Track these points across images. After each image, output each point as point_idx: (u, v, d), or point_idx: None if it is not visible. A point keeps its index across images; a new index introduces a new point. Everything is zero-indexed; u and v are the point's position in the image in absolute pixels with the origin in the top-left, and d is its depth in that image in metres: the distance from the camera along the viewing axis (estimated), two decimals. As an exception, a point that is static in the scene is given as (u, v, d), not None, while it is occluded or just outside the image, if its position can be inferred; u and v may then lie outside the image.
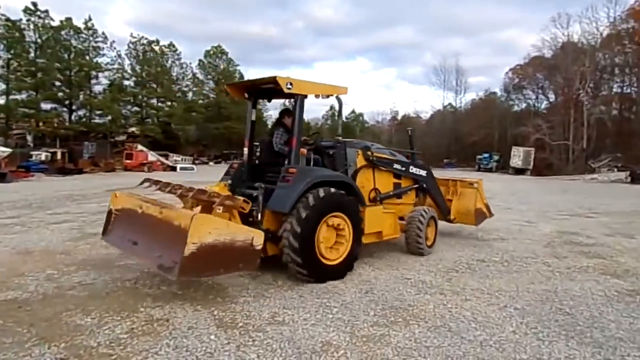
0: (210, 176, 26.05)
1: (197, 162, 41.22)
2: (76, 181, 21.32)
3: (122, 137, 44.72)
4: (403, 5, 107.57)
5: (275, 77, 4.72)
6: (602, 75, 50.17)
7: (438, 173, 7.38)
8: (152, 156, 31.93)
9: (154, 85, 48.28)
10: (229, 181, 5.31)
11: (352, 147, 5.69)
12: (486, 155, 49.54)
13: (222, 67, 56.75)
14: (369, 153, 5.74)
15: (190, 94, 54.95)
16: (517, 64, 60.53)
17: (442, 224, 6.73)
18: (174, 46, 51.05)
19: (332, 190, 4.70)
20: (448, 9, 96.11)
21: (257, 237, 3.93)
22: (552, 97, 55.87)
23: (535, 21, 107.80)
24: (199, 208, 4.61)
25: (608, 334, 3.38)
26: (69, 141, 36.33)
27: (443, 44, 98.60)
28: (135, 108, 46.75)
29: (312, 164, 5.21)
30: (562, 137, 46.11)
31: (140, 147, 31.84)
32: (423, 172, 6.51)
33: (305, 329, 3.41)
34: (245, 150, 5.60)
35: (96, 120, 41.68)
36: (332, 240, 4.77)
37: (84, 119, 41.22)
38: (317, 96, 5.14)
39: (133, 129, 45.94)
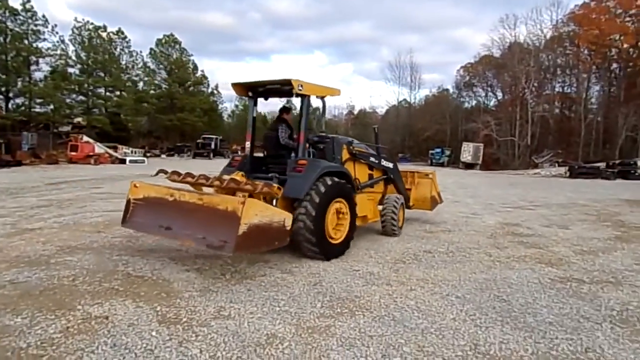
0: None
1: (148, 154, 39.70)
2: (14, 174, 20.00)
3: (67, 128, 42.34)
4: (360, 0, 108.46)
5: (290, 80, 5.33)
6: (546, 75, 52.95)
7: None
8: (99, 148, 30.43)
9: (102, 74, 46.08)
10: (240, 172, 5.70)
11: (339, 141, 6.29)
12: (438, 150, 51.10)
13: (174, 56, 54.92)
14: (352, 147, 6.40)
15: (141, 84, 52.85)
16: (468, 62, 62.92)
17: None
18: (122, 33, 48.81)
19: (336, 179, 5.44)
20: (403, 6, 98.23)
21: (288, 219, 4.60)
22: (500, 94, 58.44)
23: (485, 21, 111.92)
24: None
25: (540, 319, 3.58)
26: (6, 131, 34.01)
27: (398, 40, 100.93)
28: (81, 97, 44.32)
29: (311, 156, 5.96)
30: (509, 133, 48.36)
31: (86, 138, 30.24)
32: (390, 165, 7.31)
33: (251, 322, 3.39)
34: (248, 144, 6.13)
35: (37, 110, 39.20)
36: (335, 222, 5.43)
37: (22, 108, 38.68)
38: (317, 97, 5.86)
39: (79, 119, 43.57)
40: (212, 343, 3.01)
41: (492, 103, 60.43)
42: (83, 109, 44.20)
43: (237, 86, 6.04)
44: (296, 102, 6.56)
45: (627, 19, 47.45)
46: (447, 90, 67.80)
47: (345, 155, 6.24)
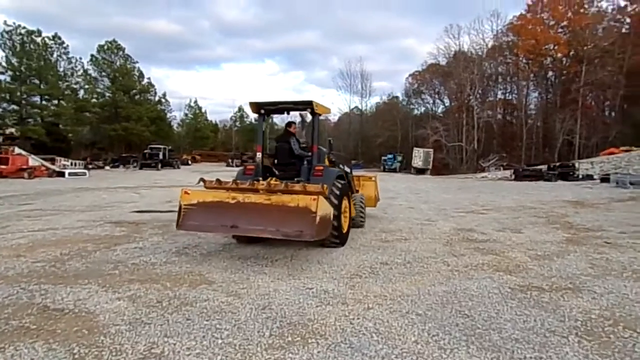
0: (106, 182, 23.86)
1: (90, 166, 37.48)
2: None
3: (-1, 139, 39.26)
4: (310, 10, 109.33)
5: (311, 101, 6.70)
6: (489, 83, 55.34)
7: None
8: (33, 160, 28.30)
9: (37, 81, 43.33)
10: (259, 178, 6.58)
11: (322, 151, 7.33)
12: (390, 156, 51.86)
13: (118, 63, 52.67)
14: (330, 156, 7.73)
15: (81, 92, 50.19)
16: (416, 70, 64.69)
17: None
18: (59, 38, 46.32)
19: (344, 181, 6.95)
20: (351, 16, 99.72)
21: (332, 213, 5.71)
22: (447, 101, 60.40)
23: (431, 31, 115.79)
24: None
25: (505, 335, 3.34)
26: None
27: (348, 49, 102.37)
28: (13, 106, 41.39)
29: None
30: (457, 138, 49.96)
31: (18, 150, 28.05)
32: (348, 170, 8.54)
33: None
34: (259, 154, 6.99)
35: (-38, 120, 36.13)
36: (343, 216, 6.57)
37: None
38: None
39: (11, 130, 40.59)
40: (137, 393, 2.51)
41: (440, 109, 62.41)
42: (16, 119, 41.22)
43: (252, 105, 7.03)
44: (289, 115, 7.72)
45: (560, 30, 50.58)
46: (397, 97, 69.37)
47: (326, 162, 7.35)
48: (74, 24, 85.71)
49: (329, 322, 3.61)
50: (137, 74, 54.95)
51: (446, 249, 6.42)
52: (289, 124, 7.33)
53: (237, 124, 78.57)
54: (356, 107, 71.46)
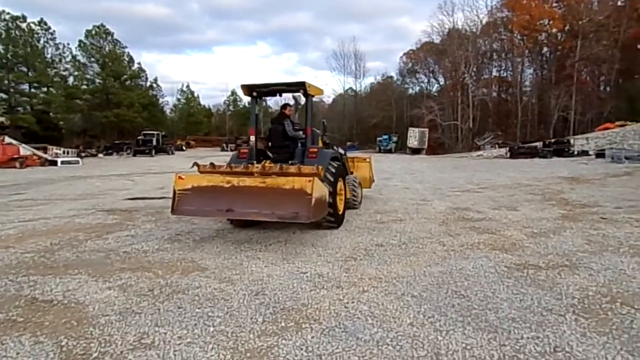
0: (99, 170, 23.62)
1: (83, 154, 37.12)
2: None
3: (-12, 129, 38.73)
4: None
5: (304, 82, 6.59)
6: (483, 60, 54.84)
7: None
8: (25, 150, 27.96)
9: (24, 69, 42.57)
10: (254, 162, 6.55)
11: (316, 133, 7.28)
12: (385, 137, 51.64)
13: (107, 48, 51.80)
14: (324, 138, 7.62)
15: (71, 79, 49.44)
16: (410, 49, 63.94)
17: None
18: (45, 24, 45.45)
19: (339, 163, 6.95)
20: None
21: (328, 194, 5.73)
22: (442, 80, 59.94)
23: (424, 9, 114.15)
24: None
25: (502, 315, 3.29)
26: None
27: (341, 29, 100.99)
28: (1, 95, 40.75)
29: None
30: (452, 117, 49.75)
31: (8, 139, 27.63)
32: (342, 152, 8.41)
33: (178, 350, 2.85)
34: (253, 137, 6.91)
35: (-50, 110, 35.57)
36: (339, 198, 6.52)
37: None
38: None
39: (1, 119, 40.01)
40: (125, 385, 2.45)
41: (434, 89, 62.00)
42: (5, 107, 40.61)
43: (244, 87, 6.90)
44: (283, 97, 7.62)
45: (555, 4, 49.98)
46: (391, 77, 68.79)
47: (320, 143, 7.19)
48: (60, 9, 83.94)
49: (323, 306, 3.55)
50: (127, 59, 54.10)
51: (442, 229, 6.37)
52: (284, 106, 7.29)
53: (231, 108, 77.83)
54: (350, 88, 70.90)
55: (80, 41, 50.42)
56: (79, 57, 50.38)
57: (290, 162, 6.51)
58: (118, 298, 3.79)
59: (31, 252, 5.40)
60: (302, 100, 7.31)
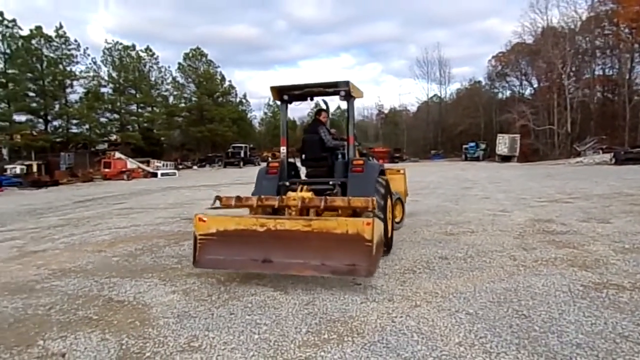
0: (191, 181, 25.52)
1: (180, 167, 40.47)
2: (49, 193, 20.66)
3: (104, 146, 43.84)
4: (384, 0, 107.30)
5: (347, 82, 5.44)
6: (584, 58, 50.14)
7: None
8: (131, 163, 31.20)
9: (133, 91, 47.61)
10: (280, 182, 5.68)
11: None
12: (472, 144, 49.35)
13: (202, 69, 55.96)
14: (361, 148, 7.08)
15: (171, 98, 54.20)
16: (499, 52, 60.51)
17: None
18: (151, 50, 50.32)
19: (386, 179, 5.81)
20: (428, 2, 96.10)
21: (383, 229, 4.78)
22: (535, 82, 55.88)
23: (514, 9, 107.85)
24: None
25: (565, 340, 2.97)
26: (47, 153, 35.48)
27: (426, 36, 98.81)
28: (115, 115, 45.92)
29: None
30: (547, 122, 46.05)
31: (118, 154, 31.10)
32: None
33: (222, 354, 2.97)
34: (283, 149, 5.98)
35: (73, 130, 40.80)
36: (388, 218, 5.58)
37: (60, 130, 40.32)
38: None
39: (115, 137, 45.09)
40: (167, 384, 2.60)
41: (527, 92, 57.95)
42: (117, 126, 45.67)
43: (273, 90, 5.85)
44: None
45: (670, -9, 44.28)
46: (479, 82, 65.57)
47: (357, 154, 6.19)
48: (163, 36, 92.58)
49: (370, 319, 3.47)
50: (219, 77, 57.94)
51: (516, 242, 5.92)
52: (319, 111, 6.27)
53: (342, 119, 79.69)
54: (435, 95, 68.89)
55: (179, 63, 55.24)
56: (178, 78, 55.16)
57: (331, 182, 5.62)
58: (179, 302, 4.05)
59: (117, 256, 5.98)
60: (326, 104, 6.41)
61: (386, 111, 74.72)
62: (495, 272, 4.60)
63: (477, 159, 45.98)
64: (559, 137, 44.55)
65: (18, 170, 28.01)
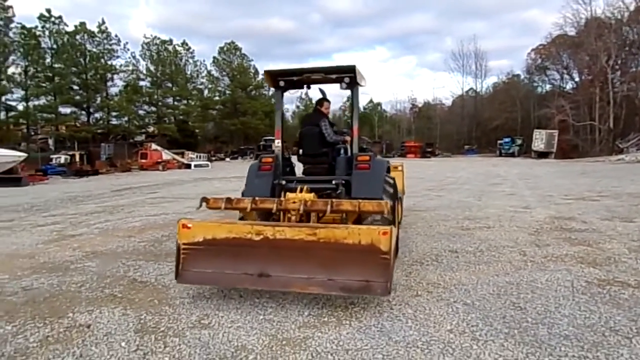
0: (223, 172, 26.23)
1: (213, 158, 41.59)
2: (89, 182, 21.76)
3: (141, 137, 45.55)
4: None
5: (354, 66, 4.81)
6: (631, 51, 47.74)
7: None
8: (166, 155, 32.36)
9: (169, 85, 48.97)
10: (275, 180, 5.01)
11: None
12: (507, 139, 48.16)
13: (236, 63, 56.91)
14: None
15: (205, 91, 55.47)
16: (539, 44, 58.40)
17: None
18: (187, 44, 51.64)
19: (392, 177, 5.17)
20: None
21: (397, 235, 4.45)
22: (577, 76, 53.70)
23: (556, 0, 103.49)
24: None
25: (554, 331, 3.06)
26: (88, 143, 37.22)
27: (463, 28, 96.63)
28: (152, 108, 47.52)
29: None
30: (588, 117, 44.30)
31: (154, 146, 32.34)
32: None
33: (227, 332, 3.23)
34: (278, 142, 5.32)
35: (113, 122, 42.57)
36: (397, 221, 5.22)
37: (101, 121, 42.16)
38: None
39: (152, 128, 46.73)
40: (176, 355, 2.88)
41: (568, 86, 55.79)
42: (154, 118, 47.25)
43: (267, 75, 5.25)
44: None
45: None
46: (517, 76, 63.62)
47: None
48: (200, 30, 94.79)
49: (370, 306, 3.66)
50: (252, 71, 58.79)
51: (530, 239, 5.93)
52: (320, 101, 5.57)
53: (347, 113, 79.55)
54: (471, 88, 67.40)
55: (214, 57, 56.46)
56: (213, 72, 56.43)
57: (334, 182, 4.96)
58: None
59: (145, 242, 6.40)
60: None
61: (420, 105, 73.78)
62: (502, 267, 4.68)
63: (512, 155, 44.88)
64: (600, 134, 42.82)
65: (62, 160, 29.56)
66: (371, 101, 76.25)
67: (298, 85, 5.38)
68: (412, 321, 3.32)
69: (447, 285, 4.12)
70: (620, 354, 2.73)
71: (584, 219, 7.25)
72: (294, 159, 5.75)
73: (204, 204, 4.48)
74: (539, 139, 42.07)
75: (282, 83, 5.19)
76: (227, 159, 45.47)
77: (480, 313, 3.43)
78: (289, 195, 4.53)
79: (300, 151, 5.49)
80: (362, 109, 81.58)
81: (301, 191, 4.54)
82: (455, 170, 22.25)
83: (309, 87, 5.49)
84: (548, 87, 58.88)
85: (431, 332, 3.13)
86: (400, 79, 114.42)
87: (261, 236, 3.76)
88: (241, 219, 4.64)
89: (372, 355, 2.83)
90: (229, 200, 4.44)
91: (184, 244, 3.89)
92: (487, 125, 59.29)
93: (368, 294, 3.59)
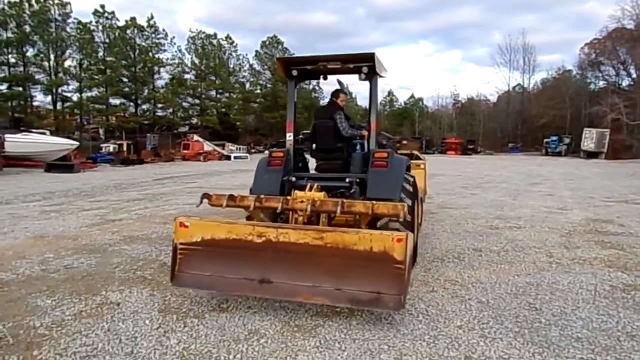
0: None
1: (252, 151, 42.42)
2: (134, 171, 22.79)
3: (185, 129, 47.08)
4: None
5: (372, 54, 4.45)
6: (697, 45, 44.51)
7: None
8: (207, 146, 33.35)
9: (213, 78, 50.20)
10: (285, 177, 4.68)
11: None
12: (554, 138, 46.13)
13: (277, 56, 57.44)
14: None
15: (247, 85, 56.44)
16: (594, 38, 55.39)
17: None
18: (230, 38, 52.65)
19: (413, 176, 4.74)
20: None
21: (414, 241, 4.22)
22: (634, 72, 50.59)
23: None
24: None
25: (566, 333, 3.03)
26: (136, 134, 38.91)
27: (513, 21, 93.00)
28: (196, 100, 48.92)
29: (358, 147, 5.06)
30: (644, 115, 41.74)
31: (196, 137, 33.40)
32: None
33: (243, 316, 3.40)
34: (291, 136, 4.98)
35: (159, 113, 44.22)
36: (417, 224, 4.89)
37: (148, 112, 43.91)
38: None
39: (195, 120, 48.22)
40: (193, 335, 3.08)
41: (624, 83, 52.67)
42: (197, 111, 48.67)
43: (280, 63, 4.94)
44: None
45: None
46: (568, 71, 60.63)
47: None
48: (244, 24, 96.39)
49: (383, 299, 3.73)
50: (294, 64, 59.25)
51: (560, 240, 5.78)
52: (336, 92, 5.16)
53: (387, 108, 78.81)
54: (518, 84, 64.89)
55: (256, 51, 57.31)
56: (255, 65, 57.29)
57: (347, 179, 4.60)
58: (220, 270, 4.56)
59: (178, 229, 6.70)
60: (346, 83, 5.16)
61: (463, 101, 71.94)
62: (525, 267, 4.61)
63: (558, 154, 43.03)
64: (658, 133, 40.24)
65: (111, 149, 31.06)
66: (412, 96, 75.14)
67: (313, 76, 5.16)
68: (423, 316, 3.38)
69: (464, 283, 4.13)
70: (630, 359, 2.68)
71: (622, 222, 6.96)
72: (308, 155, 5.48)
73: (205, 200, 4.23)
74: (589, 138, 40.08)
75: (294, 72, 4.87)
76: (266, 152, 46.17)
77: (493, 311, 3.44)
78: (297, 193, 4.13)
79: (314, 146, 5.15)
80: (403, 104, 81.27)
81: (311, 189, 4.17)
82: (495, 169, 21.66)
83: (325, 78, 5.17)
84: (601, 83, 55.80)
85: (440, 327, 3.17)
86: (444, 74, 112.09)
87: (263, 238, 3.49)
88: (248, 217, 4.27)
89: (378, 345, 2.91)
90: (231, 197, 4.14)
91: (181, 243, 3.70)
92: (533, 122, 57.01)
93: (379, 308, 3.23)
